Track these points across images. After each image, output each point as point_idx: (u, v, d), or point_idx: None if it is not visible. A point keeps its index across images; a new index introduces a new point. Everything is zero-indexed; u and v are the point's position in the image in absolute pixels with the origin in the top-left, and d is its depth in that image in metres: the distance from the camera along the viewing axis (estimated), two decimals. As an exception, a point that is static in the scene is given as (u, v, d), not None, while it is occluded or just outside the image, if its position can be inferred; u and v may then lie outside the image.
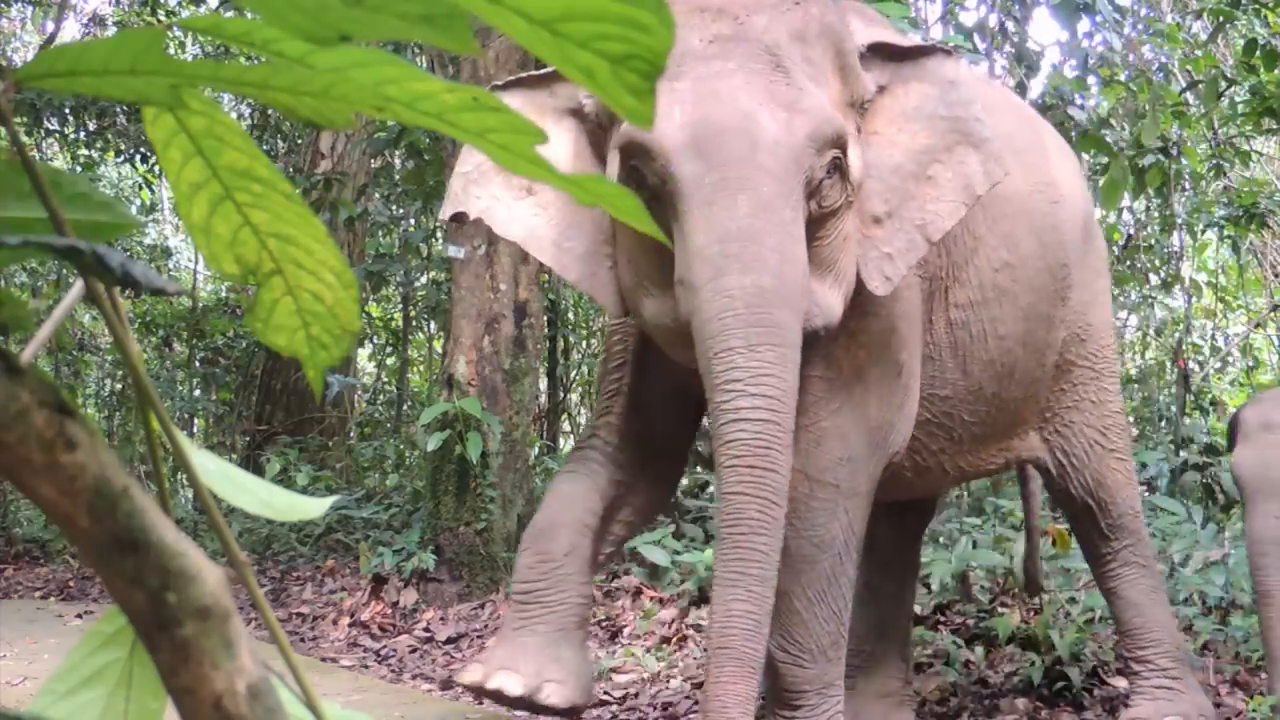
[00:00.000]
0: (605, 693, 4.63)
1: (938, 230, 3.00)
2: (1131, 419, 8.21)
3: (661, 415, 3.34)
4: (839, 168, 2.80)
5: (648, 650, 5.19)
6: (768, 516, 2.67)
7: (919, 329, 3.28)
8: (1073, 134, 7.24)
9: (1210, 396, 8.39)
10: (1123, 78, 8.07)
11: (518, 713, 3.52)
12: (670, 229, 2.70)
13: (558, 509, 3.21)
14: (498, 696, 3.09)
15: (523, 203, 3.04)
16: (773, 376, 2.64)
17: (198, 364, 11.45)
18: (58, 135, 10.48)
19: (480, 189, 3.04)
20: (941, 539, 6.15)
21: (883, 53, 2.99)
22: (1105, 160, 7.59)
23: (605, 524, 3.28)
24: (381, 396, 12.12)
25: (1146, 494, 5.70)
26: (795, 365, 2.69)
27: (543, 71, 3.05)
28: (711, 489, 6.27)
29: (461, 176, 3.06)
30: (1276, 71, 7.47)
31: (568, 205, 3.04)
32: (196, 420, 12.03)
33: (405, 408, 10.97)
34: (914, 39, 6.58)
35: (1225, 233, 8.34)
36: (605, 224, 3.01)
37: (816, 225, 2.78)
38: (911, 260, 2.99)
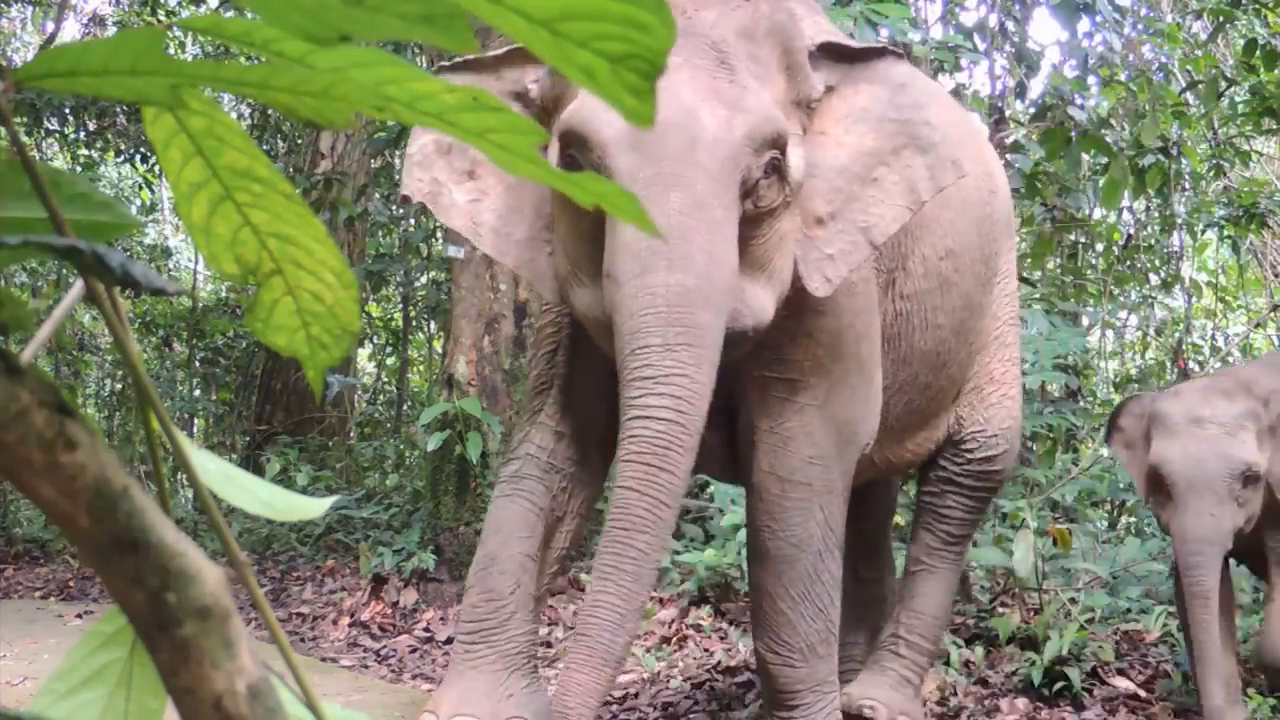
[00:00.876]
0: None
1: (881, 233, 2.97)
2: (1131, 419, 8.20)
3: (595, 406, 3.28)
4: (777, 168, 2.77)
5: (648, 650, 5.19)
6: (654, 516, 2.63)
7: (877, 322, 3.27)
8: (1073, 134, 7.25)
9: (1210, 396, 8.38)
10: (1123, 78, 8.08)
11: None
12: (603, 220, 2.68)
13: (499, 544, 3.16)
14: None
15: (463, 187, 3.03)
16: (685, 377, 2.62)
17: (198, 364, 11.45)
18: (58, 135, 10.48)
19: (424, 172, 3.01)
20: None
21: (832, 53, 2.97)
22: (1105, 160, 7.59)
23: (548, 546, 3.25)
24: (381, 396, 12.12)
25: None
26: (712, 366, 2.66)
27: (493, 54, 3.02)
28: (711, 489, 6.27)
29: (408, 159, 3.04)
30: (1276, 71, 7.47)
31: (509, 191, 3.03)
32: (196, 420, 12.03)
33: (405, 408, 10.97)
34: (914, 38, 6.57)
35: (1225, 233, 8.34)
36: (545, 210, 2.99)
37: (752, 225, 2.76)
38: (853, 262, 2.97)
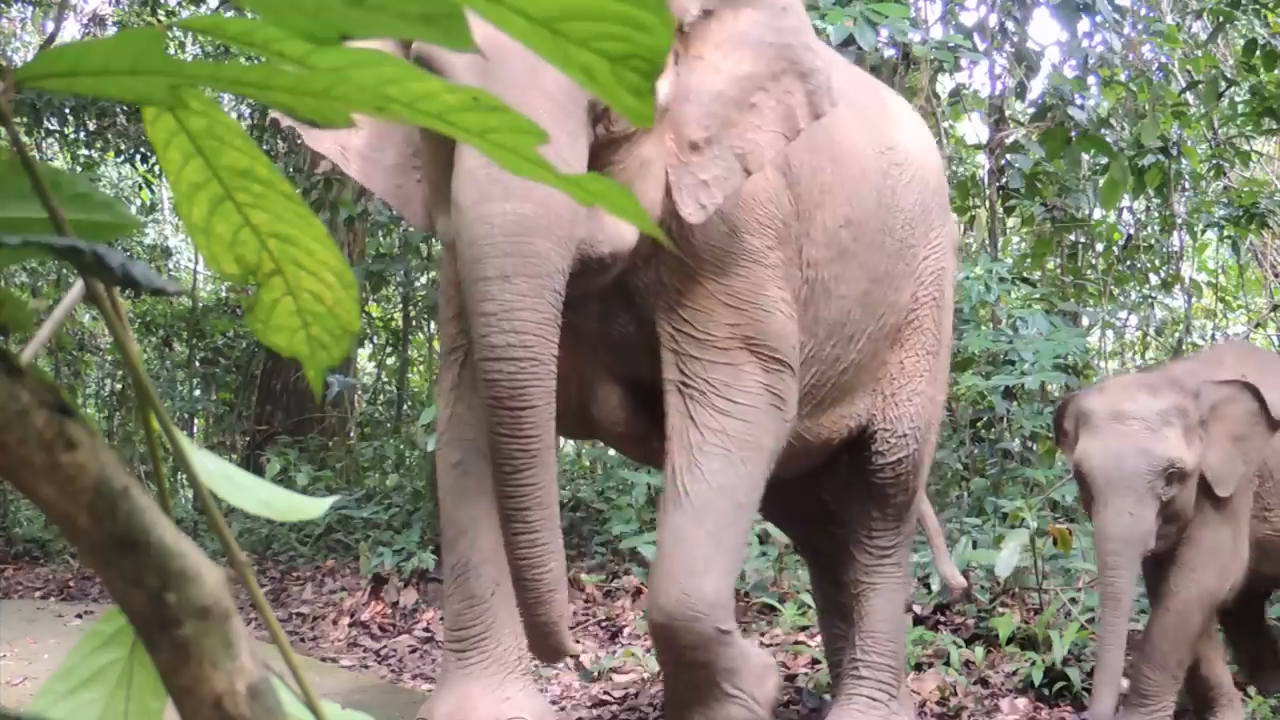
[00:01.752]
0: (605, 693, 4.63)
1: (757, 161, 2.90)
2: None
3: None
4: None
5: (648, 650, 5.18)
6: (531, 451, 2.63)
7: (787, 294, 3.18)
8: (1073, 134, 7.25)
9: (1210, 396, 8.38)
10: (1123, 78, 8.08)
11: None
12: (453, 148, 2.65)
13: (467, 547, 3.12)
14: None
15: None
16: (527, 310, 2.59)
17: (198, 364, 11.45)
18: (58, 135, 10.48)
19: None
20: (941, 539, 6.15)
21: None
22: (1105, 160, 7.59)
23: None
24: (381, 396, 12.12)
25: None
26: (555, 294, 2.63)
27: None
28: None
29: None
30: (1276, 71, 7.47)
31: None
32: (196, 420, 12.03)
33: (405, 408, 10.97)
34: (914, 38, 6.58)
35: (1225, 233, 8.34)
36: (414, 136, 2.95)
37: (608, 150, 2.71)
38: (729, 189, 2.89)
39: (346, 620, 6.11)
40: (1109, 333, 9.31)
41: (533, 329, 2.61)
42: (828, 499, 4.00)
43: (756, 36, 2.90)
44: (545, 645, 2.77)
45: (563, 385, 3.06)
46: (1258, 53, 7.50)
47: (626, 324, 3.09)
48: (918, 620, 5.10)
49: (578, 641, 5.34)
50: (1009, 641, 4.70)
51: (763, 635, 5.32)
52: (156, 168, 10.14)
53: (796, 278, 3.26)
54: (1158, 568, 3.76)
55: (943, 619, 5.25)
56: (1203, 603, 3.68)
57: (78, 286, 0.56)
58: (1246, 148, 8.90)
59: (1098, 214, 8.58)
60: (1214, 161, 8.54)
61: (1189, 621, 3.66)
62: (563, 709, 4.37)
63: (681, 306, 3.04)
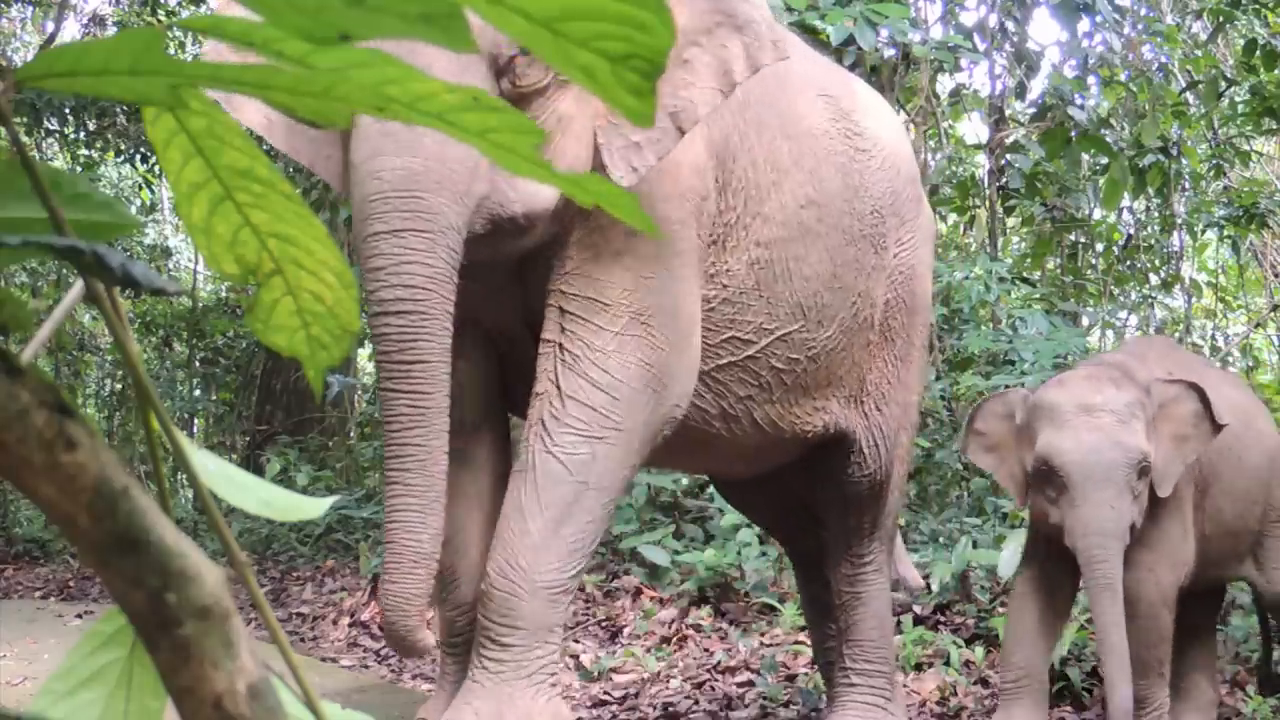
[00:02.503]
0: (605, 693, 4.63)
1: (690, 118, 2.78)
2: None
3: (471, 360, 3.12)
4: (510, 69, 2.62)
5: (648, 650, 5.19)
6: (419, 408, 2.57)
7: (696, 275, 3.06)
8: (1072, 134, 7.25)
9: (1210, 396, 8.39)
10: (1123, 78, 8.08)
11: None
12: None
13: (451, 555, 3.02)
14: None
15: None
16: (417, 264, 2.55)
17: (198, 364, 11.45)
18: (58, 135, 10.48)
19: None
20: (941, 539, 6.15)
21: None
22: (1105, 160, 7.59)
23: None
24: (381, 396, 12.10)
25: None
26: (449, 250, 2.59)
27: None
28: (711, 489, 6.26)
29: (203, 56, 2.96)
30: (1276, 71, 7.47)
31: None
32: (196, 420, 12.03)
33: (405, 408, 10.95)
34: (914, 38, 6.58)
35: (1225, 233, 8.34)
36: None
37: (519, 106, 2.58)
38: (662, 150, 2.78)
39: (346, 620, 6.11)
40: (1109, 333, 9.31)
41: (423, 283, 2.56)
42: (808, 502, 3.95)
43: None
44: (397, 631, 2.64)
45: (511, 366, 3.04)
46: (1258, 53, 7.49)
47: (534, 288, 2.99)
48: (918, 620, 5.10)
49: (577, 641, 5.34)
50: (1009, 641, 4.70)
51: (763, 635, 5.32)
52: (156, 168, 10.14)
53: (744, 258, 3.16)
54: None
55: (943, 619, 5.26)
56: (1166, 599, 3.63)
57: (78, 286, 0.56)
58: (1246, 148, 8.91)
59: (1098, 214, 8.58)
60: (1214, 161, 8.54)
61: (1159, 620, 3.61)
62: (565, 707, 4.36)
63: (579, 268, 2.93)
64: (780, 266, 3.25)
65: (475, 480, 3.12)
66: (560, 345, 2.92)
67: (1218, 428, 3.58)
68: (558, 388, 2.90)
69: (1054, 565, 3.64)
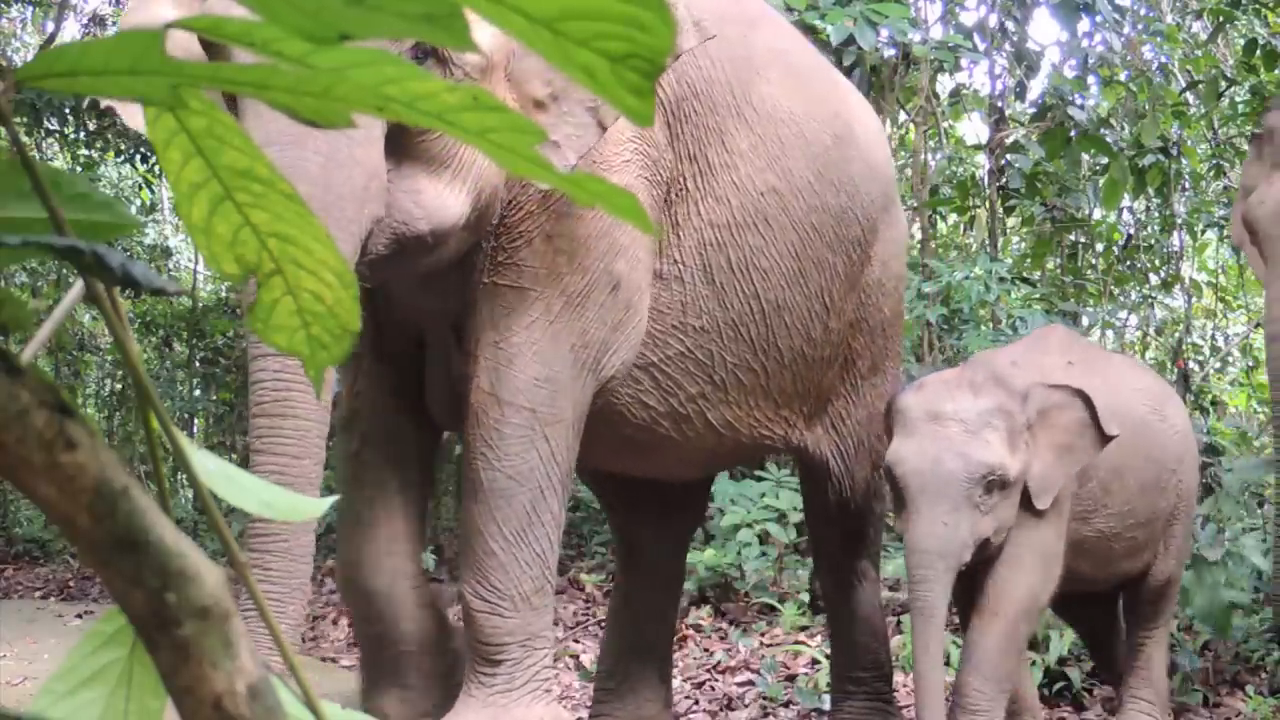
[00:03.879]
0: (605, 693, 4.62)
1: (612, 112, 2.65)
2: (1131, 419, 8.19)
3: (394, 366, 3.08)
4: (432, 54, 2.52)
5: (648, 650, 5.18)
6: (288, 477, 2.46)
7: (645, 243, 2.98)
8: (1072, 134, 7.25)
9: (1210, 396, 8.40)
10: (1123, 78, 8.08)
11: None
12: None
13: (356, 543, 3.09)
14: None
15: None
16: None
17: (198, 364, 11.44)
18: (58, 135, 10.47)
19: None
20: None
21: None
22: (1105, 160, 7.59)
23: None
24: (381, 396, 12.10)
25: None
26: None
27: None
28: (712, 488, 6.24)
29: None
30: (1276, 71, 7.47)
31: None
32: (196, 420, 12.02)
33: (405, 408, 10.95)
34: (914, 38, 6.57)
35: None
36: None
37: None
38: (583, 147, 2.69)
39: (347, 620, 6.11)
40: (1109, 333, 9.31)
41: None
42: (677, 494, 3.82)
43: None
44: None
45: (431, 370, 2.98)
46: (1258, 53, 7.49)
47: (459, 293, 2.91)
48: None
49: (577, 641, 5.34)
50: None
51: (763, 635, 5.32)
52: (156, 168, 10.14)
53: (692, 235, 3.06)
54: (975, 574, 3.47)
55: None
56: (1030, 610, 3.42)
57: (78, 286, 0.56)
58: (1246, 148, 8.90)
59: (1098, 214, 8.58)
60: (1214, 161, 8.54)
61: (1018, 630, 3.39)
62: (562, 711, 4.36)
63: (509, 258, 2.84)
64: (735, 255, 3.12)
65: (394, 480, 3.10)
66: (494, 344, 2.84)
67: (1105, 438, 3.33)
68: (495, 396, 2.85)
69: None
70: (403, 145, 2.54)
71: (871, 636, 3.74)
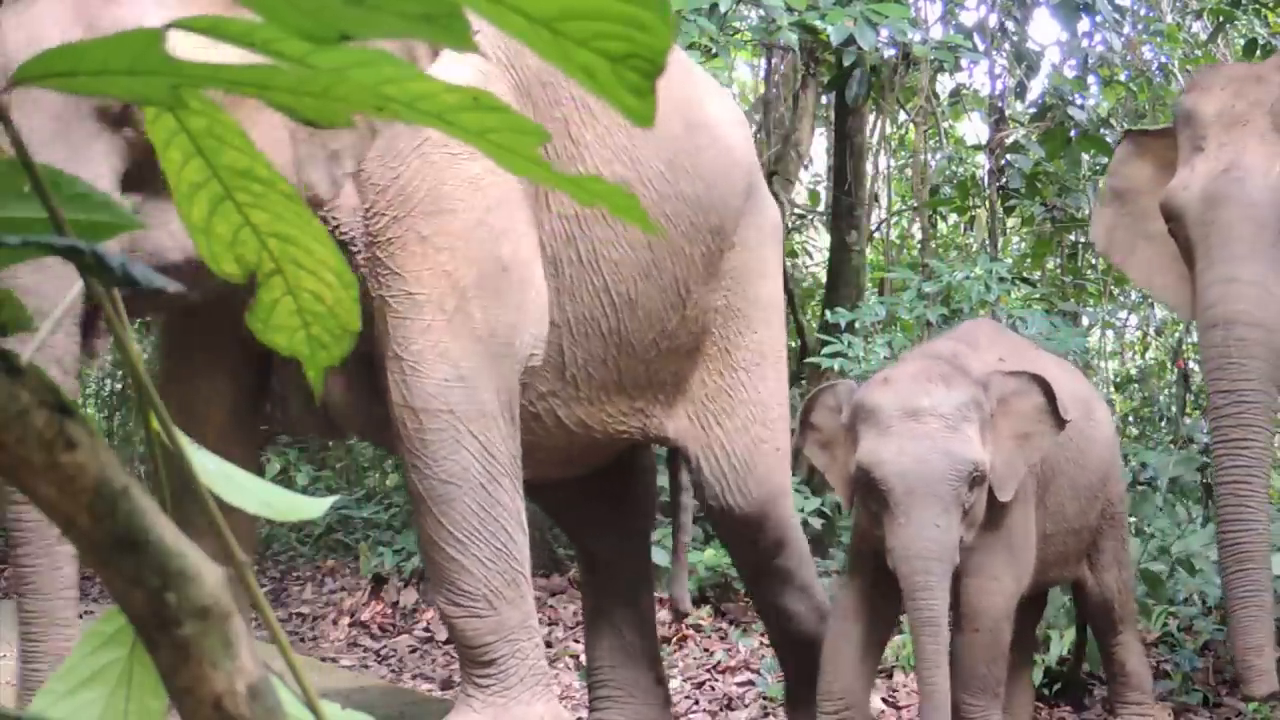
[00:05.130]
0: (605, 693, 4.63)
1: (379, 122, 2.55)
2: (1131, 419, 8.20)
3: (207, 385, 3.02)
4: None
5: (648, 650, 5.18)
6: (24, 529, 2.36)
7: (523, 215, 2.92)
8: (1072, 134, 7.25)
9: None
10: (1123, 78, 8.08)
11: None
12: None
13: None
14: None
15: None
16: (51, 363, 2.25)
17: (198, 364, 11.42)
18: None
19: None
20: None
21: None
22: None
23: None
24: (381, 396, 12.09)
25: (1146, 493, 5.69)
26: (72, 320, 2.32)
27: None
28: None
29: None
30: (1276, 71, 7.46)
31: None
32: (196, 420, 12.01)
33: (405, 408, 10.94)
34: (914, 38, 6.57)
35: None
36: None
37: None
38: (359, 154, 2.61)
39: (346, 620, 6.11)
40: (1109, 333, 9.31)
41: (55, 368, 2.24)
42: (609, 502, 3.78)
43: None
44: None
45: (293, 378, 2.92)
46: (1258, 53, 7.48)
47: None
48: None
49: (576, 641, 5.34)
50: (1009, 641, 4.70)
51: (762, 635, 5.32)
52: (156, 168, 10.12)
53: (546, 222, 3.01)
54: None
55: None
56: (1009, 612, 3.31)
57: (78, 286, 0.56)
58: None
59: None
60: (1214, 161, 8.52)
61: (1000, 635, 3.29)
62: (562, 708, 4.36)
63: (390, 264, 2.80)
64: (584, 247, 3.07)
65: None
66: (397, 355, 2.80)
67: (1062, 423, 3.23)
68: (409, 407, 2.82)
69: (879, 583, 3.27)
70: (151, 175, 2.38)
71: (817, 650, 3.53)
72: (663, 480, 6.37)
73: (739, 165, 3.47)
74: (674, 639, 5.34)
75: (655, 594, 5.85)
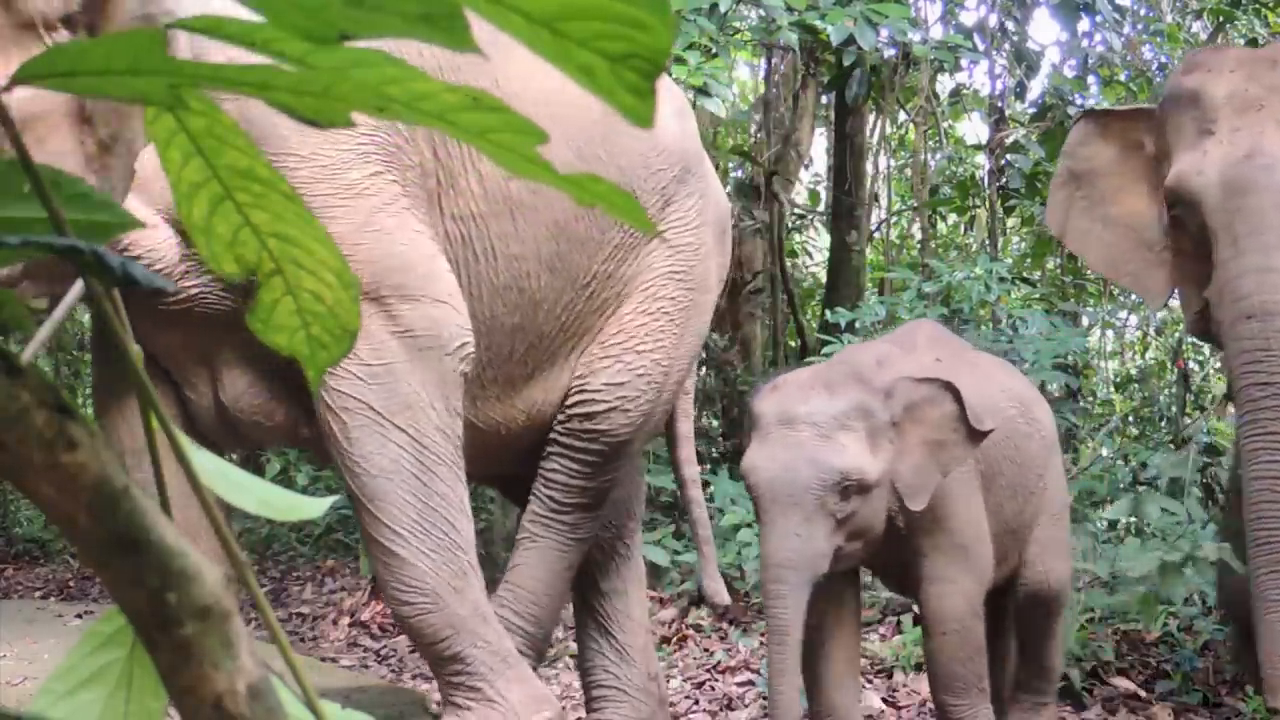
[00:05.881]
0: (605, 693, 4.63)
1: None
2: (1131, 419, 8.20)
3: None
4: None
5: (648, 650, 5.18)
6: None
7: (414, 216, 2.88)
8: (1073, 134, 7.24)
9: (1210, 396, 8.39)
10: (1123, 78, 8.08)
11: None
12: None
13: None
14: None
15: None
16: None
17: (198, 364, 11.43)
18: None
19: None
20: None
21: None
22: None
23: None
24: (381, 396, 12.09)
25: (1147, 493, 5.69)
26: None
27: None
28: (711, 488, 6.25)
29: None
30: (1276, 71, 7.46)
31: None
32: (196, 420, 12.02)
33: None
34: (914, 38, 6.57)
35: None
36: None
37: None
38: (130, 181, 2.48)
39: (346, 620, 6.11)
40: (1109, 333, 9.31)
41: None
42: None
43: (128, 11, 2.38)
44: None
45: (193, 386, 2.90)
46: (1258, 53, 7.49)
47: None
48: (917, 620, 5.10)
49: (577, 640, 5.34)
50: (1009, 641, 4.70)
51: (763, 635, 5.32)
52: (156, 168, 10.12)
53: (440, 230, 2.96)
54: (904, 585, 3.30)
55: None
56: (974, 608, 3.25)
57: (78, 286, 0.56)
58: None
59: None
60: (1214, 161, 8.52)
61: (971, 633, 3.23)
62: (563, 708, 4.36)
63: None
64: (481, 245, 3.02)
65: None
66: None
67: (977, 434, 3.15)
68: (330, 409, 2.81)
69: (823, 586, 3.17)
70: None
71: (538, 585, 3.47)
72: (663, 481, 6.38)
73: (666, 152, 3.39)
74: (674, 639, 5.34)
75: (651, 592, 5.86)
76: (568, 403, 3.37)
